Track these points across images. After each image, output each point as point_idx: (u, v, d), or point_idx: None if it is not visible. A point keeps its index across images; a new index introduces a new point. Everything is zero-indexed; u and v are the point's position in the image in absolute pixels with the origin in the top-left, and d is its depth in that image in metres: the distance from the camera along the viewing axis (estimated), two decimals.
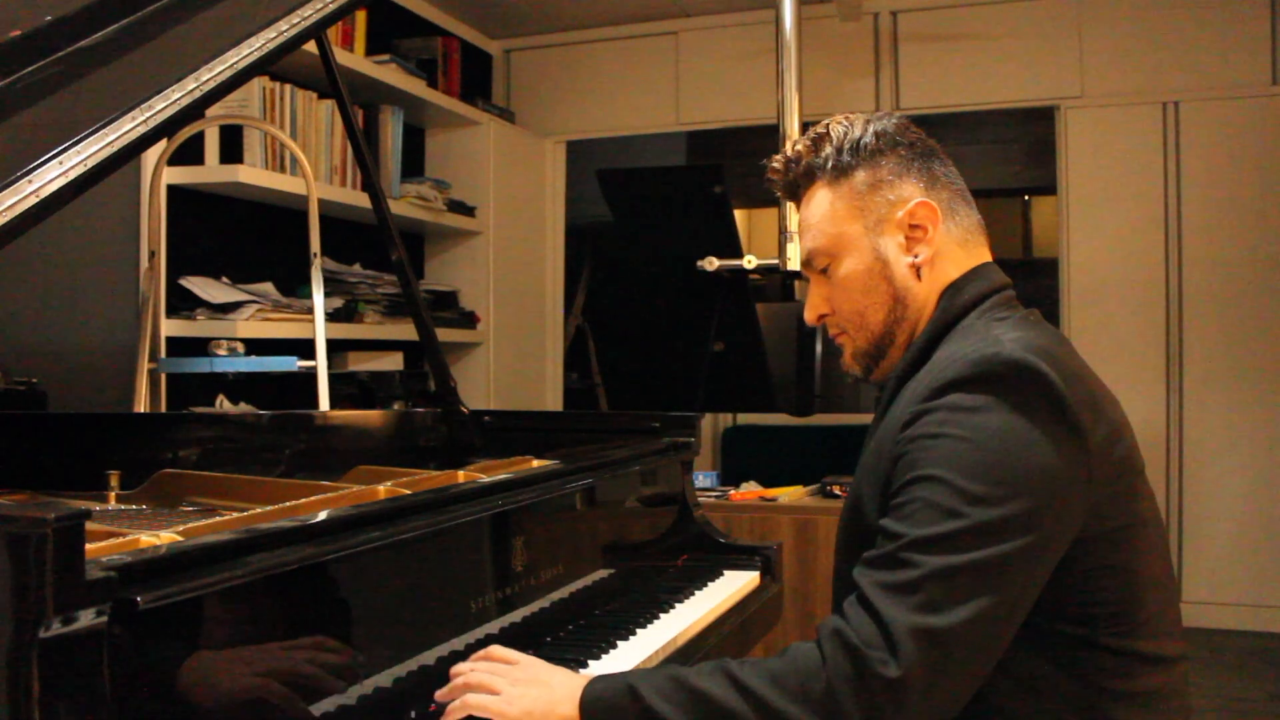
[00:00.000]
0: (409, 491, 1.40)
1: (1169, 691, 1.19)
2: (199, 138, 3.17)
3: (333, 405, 2.88)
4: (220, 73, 1.28)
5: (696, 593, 1.80)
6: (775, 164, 1.40)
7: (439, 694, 1.19)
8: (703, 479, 3.55)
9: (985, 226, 1.37)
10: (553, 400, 5.14)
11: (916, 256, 1.30)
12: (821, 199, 1.34)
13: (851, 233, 1.32)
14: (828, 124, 1.36)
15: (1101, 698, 1.16)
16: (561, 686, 1.16)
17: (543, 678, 1.18)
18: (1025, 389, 1.13)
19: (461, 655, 1.29)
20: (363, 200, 3.31)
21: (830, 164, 1.33)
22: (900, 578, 1.08)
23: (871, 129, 1.33)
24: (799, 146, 1.37)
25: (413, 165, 4.45)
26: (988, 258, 1.34)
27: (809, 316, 1.38)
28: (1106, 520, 1.16)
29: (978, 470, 1.09)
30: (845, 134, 1.33)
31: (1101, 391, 1.22)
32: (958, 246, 1.32)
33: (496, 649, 1.24)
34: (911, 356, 1.29)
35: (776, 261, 3.88)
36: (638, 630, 1.55)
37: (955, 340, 1.25)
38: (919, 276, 1.30)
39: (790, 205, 3.77)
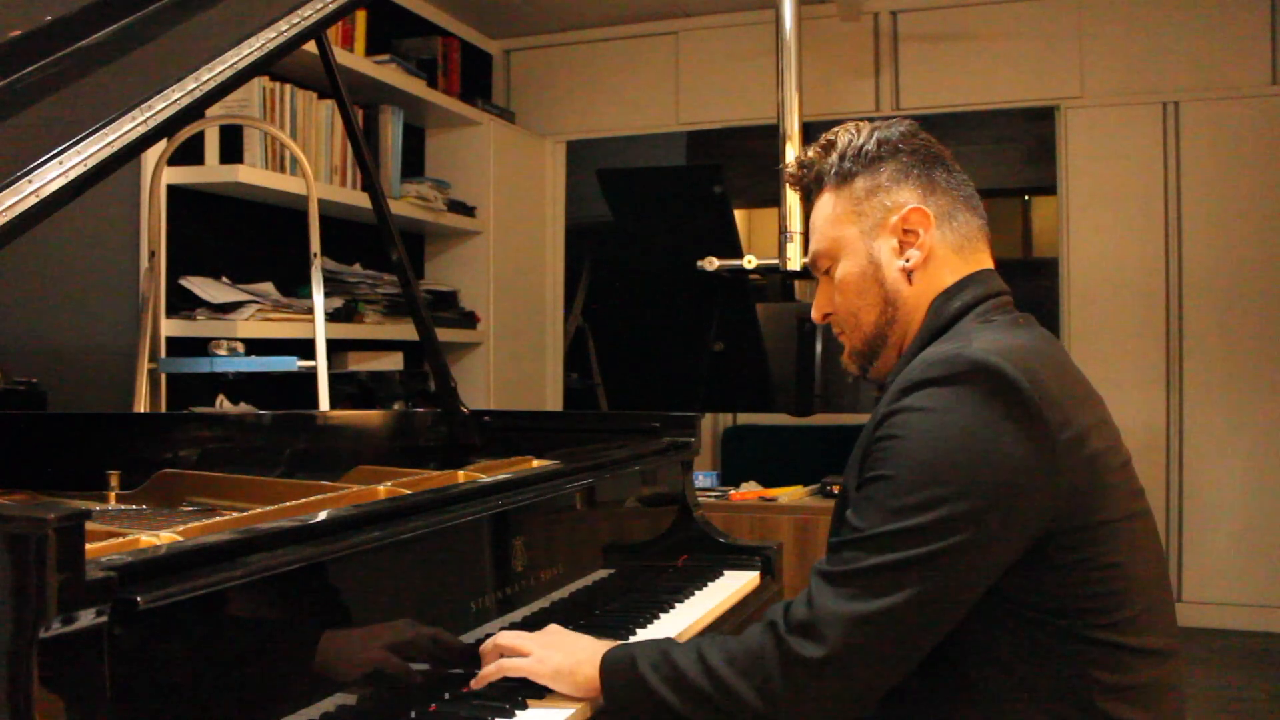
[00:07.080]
0: (409, 491, 1.40)
1: (1161, 686, 1.20)
2: (199, 138, 3.17)
3: (333, 405, 2.88)
4: (220, 73, 1.28)
5: (696, 593, 1.80)
6: (791, 168, 1.47)
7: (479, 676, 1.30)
8: (703, 479, 3.55)
9: (989, 233, 1.38)
10: (553, 400, 5.13)
11: (908, 260, 1.34)
12: (826, 203, 1.40)
13: (848, 236, 1.37)
14: (838, 131, 1.42)
15: (1092, 690, 1.17)
16: (584, 650, 1.29)
17: (568, 643, 1.31)
18: (984, 387, 1.16)
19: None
20: (363, 200, 3.32)
21: (834, 170, 1.39)
22: (839, 569, 1.17)
23: (875, 136, 1.38)
24: (811, 153, 1.44)
25: (413, 165, 4.45)
26: (987, 264, 1.37)
27: (815, 315, 1.45)
28: (1079, 516, 1.17)
29: (925, 470, 1.15)
30: (850, 141, 1.39)
31: (1079, 390, 1.24)
32: (953, 252, 1.35)
33: (504, 635, 1.33)
34: (905, 362, 1.32)
35: (776, 261, 3.88)
36: (638, 630, 1.56)
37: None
38: (910, 280, 1.34)
39: (790, 206, 3.78)
